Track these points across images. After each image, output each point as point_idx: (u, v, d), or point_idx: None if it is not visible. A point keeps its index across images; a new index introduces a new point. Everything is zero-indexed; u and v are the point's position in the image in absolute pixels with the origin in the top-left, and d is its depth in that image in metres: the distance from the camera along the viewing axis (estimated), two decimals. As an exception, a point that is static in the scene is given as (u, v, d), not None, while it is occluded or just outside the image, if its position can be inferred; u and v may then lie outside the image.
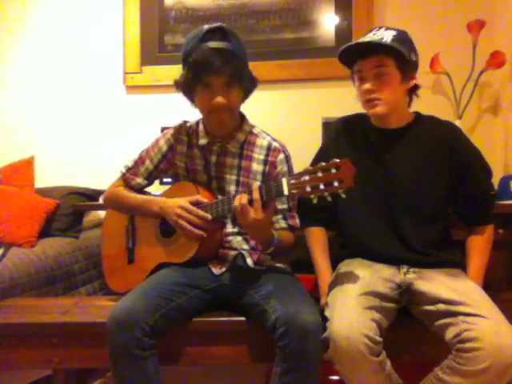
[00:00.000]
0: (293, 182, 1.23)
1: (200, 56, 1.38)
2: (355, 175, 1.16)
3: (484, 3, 2.39)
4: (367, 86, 1.41)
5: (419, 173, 1.45)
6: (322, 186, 1.18)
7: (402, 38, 1.41)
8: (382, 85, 1.40)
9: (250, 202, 1.29)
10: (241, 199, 1.29)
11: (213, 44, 1.38)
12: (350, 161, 1.17)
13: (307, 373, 1.22)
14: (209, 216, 1.39)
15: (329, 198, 1.19)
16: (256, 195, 1.28)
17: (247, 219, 1.29)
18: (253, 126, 1.57)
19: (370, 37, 1.41)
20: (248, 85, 1.48)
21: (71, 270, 2.10)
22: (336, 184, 1.17)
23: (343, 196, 1.17)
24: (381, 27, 1.44)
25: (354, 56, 1.43)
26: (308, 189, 1.20)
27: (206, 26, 1.41)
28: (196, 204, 1.42)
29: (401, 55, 1.37)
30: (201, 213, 1.39)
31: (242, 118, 1.56)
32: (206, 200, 1.43)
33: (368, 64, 1.41)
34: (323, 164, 1.19)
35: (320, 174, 1.19)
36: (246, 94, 1.50)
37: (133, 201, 1.55)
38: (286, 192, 1.23)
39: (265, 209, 1.28)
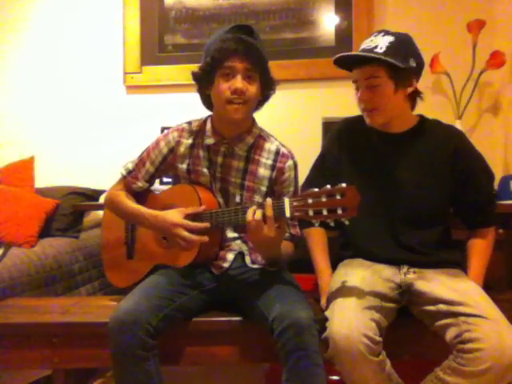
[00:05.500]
0: (296, 204, 1.21)
1: (224, 43, 1.37)
2: (359, 203, 1.15)
3: (484, 3, 2.39)
4: (360, 95, 1.43)
5: (421, 177, 1.45)
6: (325, 212, 1.17)
7: (399, 44, 1.38)
8: (374, 96, 1.41)
9: (263, 218, 1.26)
10: (255, 214, 1.26)
11: (238, 35, 1.38)
12: (356, 188, 1.16)
13: (311, 366, 1.20)
14: (207, 225, 1.37)
15: (332, 224, 1.18)
16: (270, 212, 1.25)
17: (260, 236, 1.27)
18: (261, 130, 1.54)
19: (366, 43, 1.41)
20: (267, 84, 1.45)
21: (71, 269, 2.10)
22: (340, 212, 1.15)
23: (346, 223, 1.17)
24: (381, 32, 1.43)
25: (352, 63, 1.44)
26: (311, 213, 1.18)
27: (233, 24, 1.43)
28: (194, 216, 1.40)
29: (393, 65, 1.35)
30: (199, 226, 1.37)
31: (253, 121, 1.53)
32: (202, 208, 1.41)
33: (362, 74, 1.42)
34: (328, 188, 1.18)
35: (324, 199, 1.17)
36: (264, 94, 1.47)
37: (126, 210, 1.51)
38: (288, 214, 1.22)
39: (277, 226, 1.26)
